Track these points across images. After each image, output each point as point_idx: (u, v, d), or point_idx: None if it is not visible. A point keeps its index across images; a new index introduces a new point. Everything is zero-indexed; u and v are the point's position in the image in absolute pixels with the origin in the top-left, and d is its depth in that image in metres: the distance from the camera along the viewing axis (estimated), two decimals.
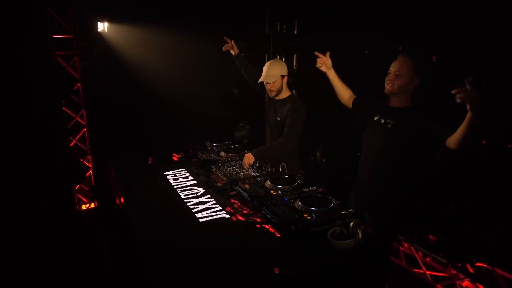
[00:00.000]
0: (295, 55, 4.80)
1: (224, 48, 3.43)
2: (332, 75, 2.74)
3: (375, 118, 2.45)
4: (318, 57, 2.73)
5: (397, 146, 2.32)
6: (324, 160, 4.50)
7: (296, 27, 4.64)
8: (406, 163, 2.34)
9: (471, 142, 2.00)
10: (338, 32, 3.78)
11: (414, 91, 2.34)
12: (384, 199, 2.44)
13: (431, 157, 2.67)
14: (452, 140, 2.03)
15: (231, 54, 3.43)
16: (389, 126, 2.34)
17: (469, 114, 1.86)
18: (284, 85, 3.06)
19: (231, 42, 3.40)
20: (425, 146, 2.30)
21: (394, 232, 2.72)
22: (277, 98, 3.11)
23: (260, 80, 3.04)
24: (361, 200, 2.56)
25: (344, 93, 2.74)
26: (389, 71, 2.36)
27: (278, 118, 3.09)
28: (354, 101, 2.67)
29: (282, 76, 3.01)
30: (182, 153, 3.34)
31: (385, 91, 2.38)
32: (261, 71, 3.05)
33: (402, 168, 2.35)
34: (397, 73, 2.29)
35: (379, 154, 2.42)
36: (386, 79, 2.37)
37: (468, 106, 1.83)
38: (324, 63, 2.72)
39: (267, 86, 3.05)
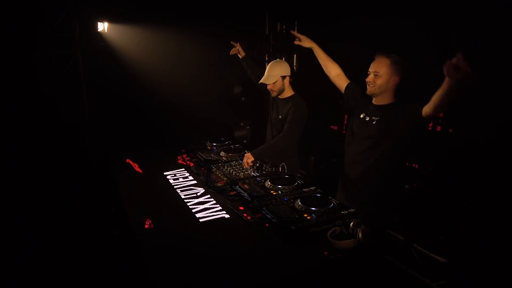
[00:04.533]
0: (295, 55, 4.80)
1: (231, 52, 3.53)
2: (318, 50, 2.77)
3: (361, 116, 2.53)
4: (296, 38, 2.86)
5: (382, 141, 2.39)
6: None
7: (296, 27, 4.64)
8: (391, 157, 2.40)
9: (446, 108, 2.06)
10: (338, 29, 3.80)
11: (395, 88, 2.41)
12: (372, 192, 2.49)
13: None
14: (429, 107, 2.11)
15: (238, 57, 3.50)
16: (374, 123, 2.42)
17: (452, 81, 1.83)
18: (287, 85, 3.11)
19: (237, 46, 3.49)
20: (408, 136, 2.36)
21: (385, 229, 2.75)
22: (280, 97, 3.17)
23: (260, 81, 3.10)
24: (348, 194, 2.59)
25: (332, 69, 2.75)
26: (368, 72, 2.44)
27: (280, 116, 3.14)
28: (348, 87, 2.69)
29: (283, 77, 3.07)
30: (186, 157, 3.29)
31: (367, 92, 2.46)
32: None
33: (388, 163, 2.41)
34: (375, 73, 2.38)
35: (365, 150, 2.48)
36: (366, 80, 2.45)
37: (452, 76, 1.80)
38: (301, 40, 2.81)
39: (268, 87, 3.12)
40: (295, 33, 2.83)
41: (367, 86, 2.45)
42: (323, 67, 2.79)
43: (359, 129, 2.52)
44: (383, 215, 2.46)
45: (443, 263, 3.12)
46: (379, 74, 2.37)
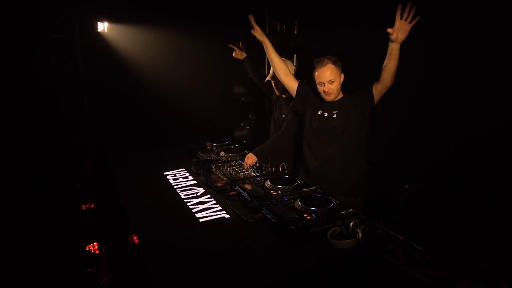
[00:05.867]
0: (295, 55, 4.80)
1: (234, 55, 3.55)
2: (269, 46, 2.74)
3: (319, 113, 2.66)
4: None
5: (345, 131, 2.56)
6: None
7: (296, 27, 4.64)
8: (357, 141, 2.58)
9: (394, 74, 2.32)
10: (338, 29, 3.80)
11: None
12: (347, 176, 2.62)
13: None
14: (380, 80, 2.37)
15: (239, 58, 3.54)
16: (334, 116, 2.58)
17: (396, 46, 2.21)
18: None
19: (240, 45, 3.55)
20: (366, 124, 2.56)
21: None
22: (283, 96, 3.20)
23: (267, 78, 3.15)
24: (319, 183, 2.62)
25: (281, 68, 2.79)
26: (320, 83, 2.55)
27: (283, 116, 3.17)
28: (300, 88, 2.76)
29: None
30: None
31: (327, 100, 2.59)
32: (267, 71, 3.15)
33: (355, 146, 2.59)
34: (330, 81, 2.51)
35: (328, 142, 2.62)
36: (322, 90, 2.55)
37: (398, 37, 2.17)
38: (256, 30, 2.75)
39: (273, 84, 3.16)
40: (252, 20, 2.73)
41: (325, 96, 2.57)
42: (272, 65, 2.82)
43: (320, 125, 2.65)
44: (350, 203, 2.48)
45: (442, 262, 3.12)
46: (334, 80, 2.52)
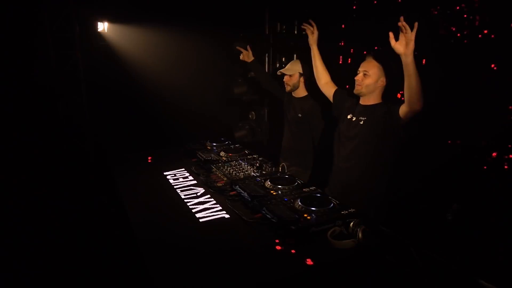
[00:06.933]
0: (295, 55, 4.80)
1: (241, 57, 3.62)
2: (316, 53, 2.81)
3: (348, 117, 2.60)
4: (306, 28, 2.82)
5: (368, 141, 2.46)
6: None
7: (296, 27, 4.64)
8: (379, 154, 2.48)
9: (417, 98, 2.11)
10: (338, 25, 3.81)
11: (382, 90, 2.50)
12: (363, 188, 2.53)
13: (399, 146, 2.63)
14: (404, 103, 2.20)
15: (246, 60, 3.59)
16: (361, 123, 2.49)
17: (406, 59, 2.03)
18: (301, 84, 3.25)
19: (248, 49, 3.60)
20: (394, 136, 2.41)
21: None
22: (296, 96, 3.30)
23: (280, 71, 3.26)
24: (339, 191, 2.60)
25: (322, 76, 2.83)
26: (358, 71, 2.51)
27: (300, 115, 3.25)
28: (335, 94, 2.77)
29: (301, 74, 3.21)
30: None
31: (354, 91, 2.53)
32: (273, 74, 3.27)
33: (376, 159, 2.49)
34: (365, 72, 2.45)
35: (352, 150, 2.54)
36: (355, 78, 2.51)
37: (408, 49, 2.01)
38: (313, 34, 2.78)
39: (285, 79, 3.25)
40: (313, 24, 2.79)
41: (356, 85, 2.51)
42: (315, 71, 2.85)
43: (346, 130, 2.58)
44: (373, 214, 2.46)
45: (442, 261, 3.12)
46: (368, 74, 2.45)
